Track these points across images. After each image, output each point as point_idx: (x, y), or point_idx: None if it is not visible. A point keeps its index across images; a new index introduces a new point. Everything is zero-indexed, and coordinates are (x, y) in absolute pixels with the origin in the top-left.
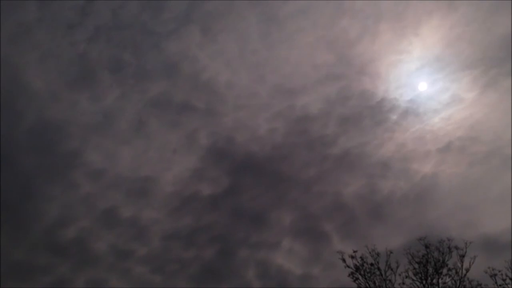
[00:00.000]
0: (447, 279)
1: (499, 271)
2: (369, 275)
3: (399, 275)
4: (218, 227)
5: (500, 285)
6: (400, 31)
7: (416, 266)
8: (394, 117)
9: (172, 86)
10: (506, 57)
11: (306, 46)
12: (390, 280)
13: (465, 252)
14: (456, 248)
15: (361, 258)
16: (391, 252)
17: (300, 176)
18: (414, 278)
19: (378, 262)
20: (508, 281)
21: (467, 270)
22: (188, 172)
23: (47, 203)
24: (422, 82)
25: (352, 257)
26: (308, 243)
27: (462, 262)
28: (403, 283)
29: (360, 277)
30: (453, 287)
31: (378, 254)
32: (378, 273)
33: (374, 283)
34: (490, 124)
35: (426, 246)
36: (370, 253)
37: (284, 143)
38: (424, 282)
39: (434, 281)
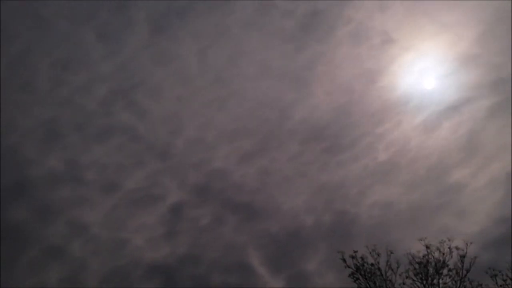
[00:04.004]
0: (448, 280)
1: (499, 271)
2: (369, 275)
3: (400, 275)
4: (158, 263)
5: (500, 286)
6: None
7: (417, 266)
8: (314, 166)
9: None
10: (416, 110)
11: (216, 102)
12: (390, 280)
13: (466, 253)
14: (457, 248)
15: (362, 258)
16: (391, 252)
17: (228, 218)
18: (415, 279)
19: (378, 263)
20: (508, 281)
21: (468, 271)
22: (118, 214)
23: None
24: (338, 136)
25: (353, 257)
26: (237, 278)
27: (462, 262)
28: (404, 283)
29: (360, 277)
30: (453, 287)
31: (378, 254)
32: (378, 273)
33: (375, 283)
34: (403, 168)
35: (427, 247)
36: (370, 253)
37: (207, 189)
38: (424, 282)
39: (435, 281)
